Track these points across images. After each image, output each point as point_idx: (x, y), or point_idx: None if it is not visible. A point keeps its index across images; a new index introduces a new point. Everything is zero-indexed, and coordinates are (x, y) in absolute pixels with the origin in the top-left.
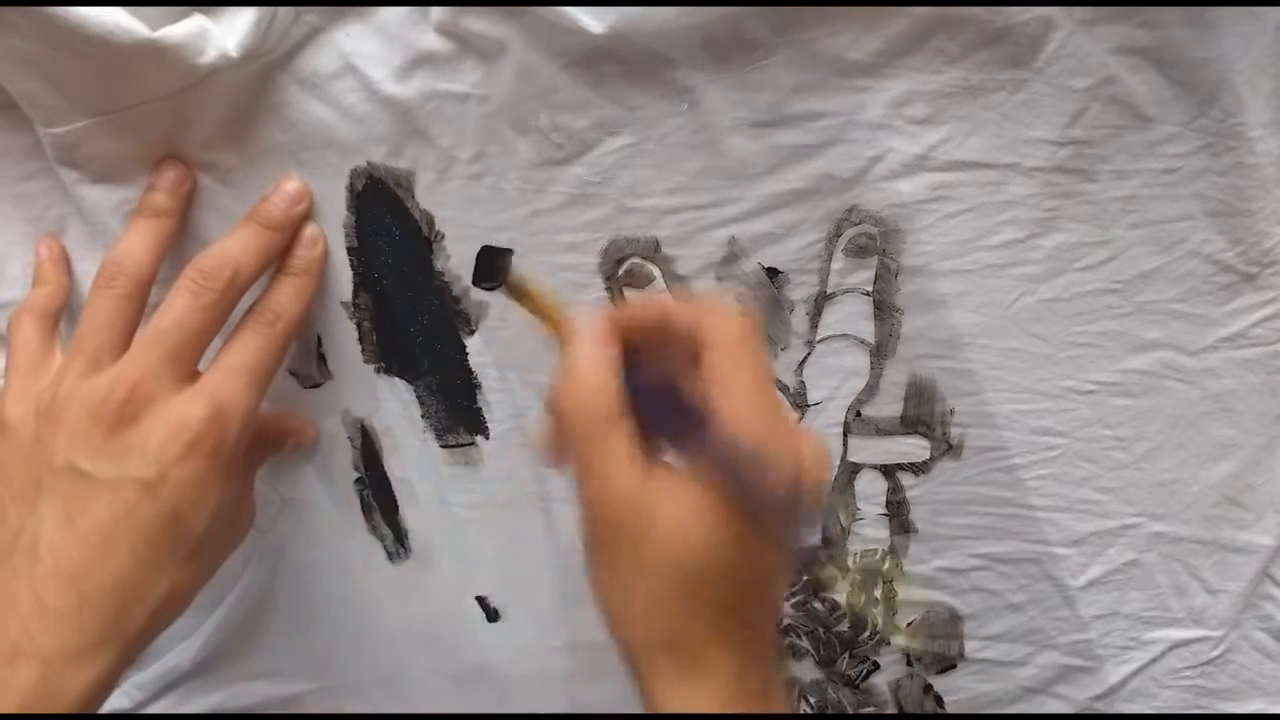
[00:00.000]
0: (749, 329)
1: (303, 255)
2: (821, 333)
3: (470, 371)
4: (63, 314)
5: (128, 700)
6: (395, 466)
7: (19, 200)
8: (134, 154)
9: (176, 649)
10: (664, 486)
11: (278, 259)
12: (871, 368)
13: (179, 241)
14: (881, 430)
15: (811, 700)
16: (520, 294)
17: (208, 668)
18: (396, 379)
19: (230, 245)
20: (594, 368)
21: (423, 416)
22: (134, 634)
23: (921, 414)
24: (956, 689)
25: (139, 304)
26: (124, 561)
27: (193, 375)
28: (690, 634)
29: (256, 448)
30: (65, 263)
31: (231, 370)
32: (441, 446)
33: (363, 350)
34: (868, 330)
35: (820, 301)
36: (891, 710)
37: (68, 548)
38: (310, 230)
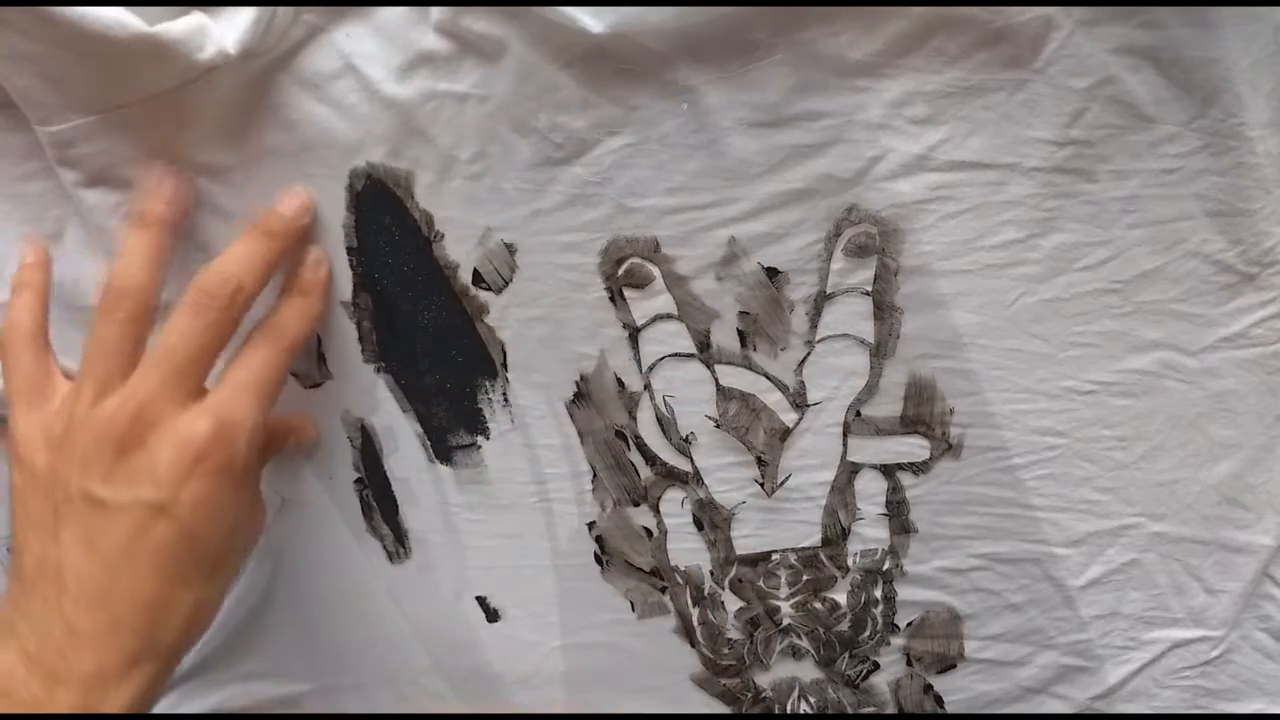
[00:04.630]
0: None
1: (308, 278)
2: (821, 333)
3: (470, 371)
4: (47, 323)
5: None
6: (395, 466)
7: (17, 201)
8: (132, 153)
9: None
10: None
11: (279, 272)
12: (871, 368)
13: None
14: (881, 430)
15: (811, 700)
16: None
17: (208, 668)
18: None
19: (231, 262)
20: None
21: None
22: (169, 646)
23: (921, 414)
24: (956, 689)
25: (144, 325)
26: (149, 581)
27: (199, 393)
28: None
29: (260, 450)
30: (47, 265)
31: (237, 386)
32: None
33: (363, 350)
34: (867, 330)
35: (820, 301)
36: (891, 710)
37: (92, 573)
38: (315, 253)
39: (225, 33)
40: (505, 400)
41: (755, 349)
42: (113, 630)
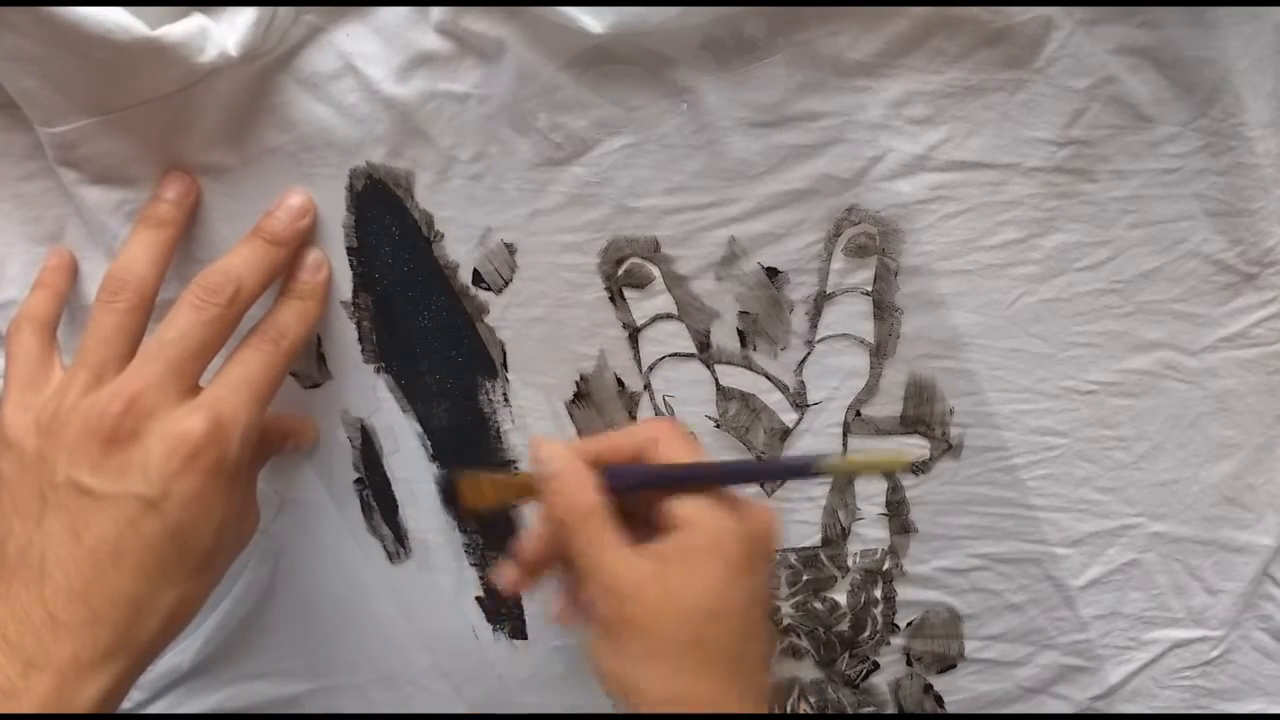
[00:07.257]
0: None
1: (307, 280)
2: (821, 333)
3: (470, 371)
4: (59, 321)
5: (127, 700)
6: (395, 466)
7: (18, 200)
8: (134, 154)
9: (176, 649)
10: (666, 566)
11: (281, 274)
12: (871, 368)
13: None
14: (881, 430)
15: (811, 700)
16: (484, 493)
17: (208, 668)
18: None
19: (234, 261)
20: (571, 473)
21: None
22: (146, 643)
23: (921, 414)
24: (956, 689)
25: (142, 317)
26: (132, 577)
27: (194, 390)
28: (708, 690)
29: (258, 450)
30: (70, 271)
31: (232, 384)
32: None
33: (363, 350)
34: (867, 330)
35: (820, 301)
36: (891, 710)
37: (76, 564)
38: (314, 255)
39: (226, 34)
40: (505, 400)
41: (755, 349)
42: (92, 623)
